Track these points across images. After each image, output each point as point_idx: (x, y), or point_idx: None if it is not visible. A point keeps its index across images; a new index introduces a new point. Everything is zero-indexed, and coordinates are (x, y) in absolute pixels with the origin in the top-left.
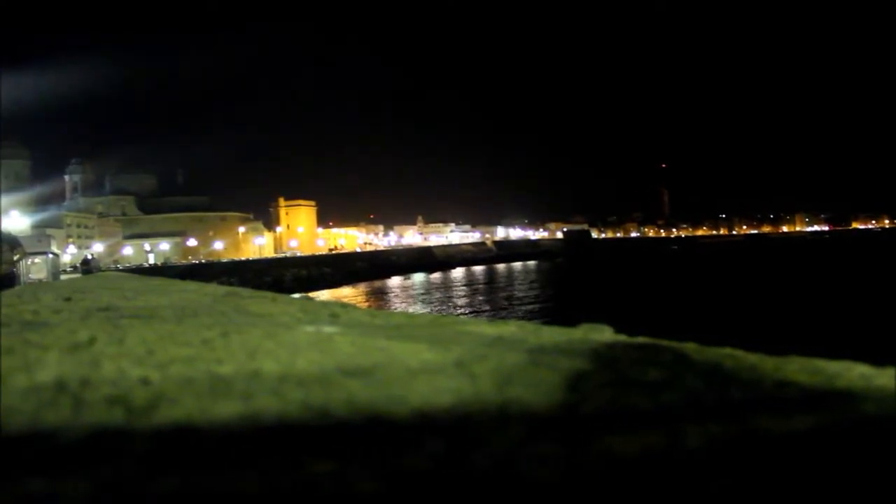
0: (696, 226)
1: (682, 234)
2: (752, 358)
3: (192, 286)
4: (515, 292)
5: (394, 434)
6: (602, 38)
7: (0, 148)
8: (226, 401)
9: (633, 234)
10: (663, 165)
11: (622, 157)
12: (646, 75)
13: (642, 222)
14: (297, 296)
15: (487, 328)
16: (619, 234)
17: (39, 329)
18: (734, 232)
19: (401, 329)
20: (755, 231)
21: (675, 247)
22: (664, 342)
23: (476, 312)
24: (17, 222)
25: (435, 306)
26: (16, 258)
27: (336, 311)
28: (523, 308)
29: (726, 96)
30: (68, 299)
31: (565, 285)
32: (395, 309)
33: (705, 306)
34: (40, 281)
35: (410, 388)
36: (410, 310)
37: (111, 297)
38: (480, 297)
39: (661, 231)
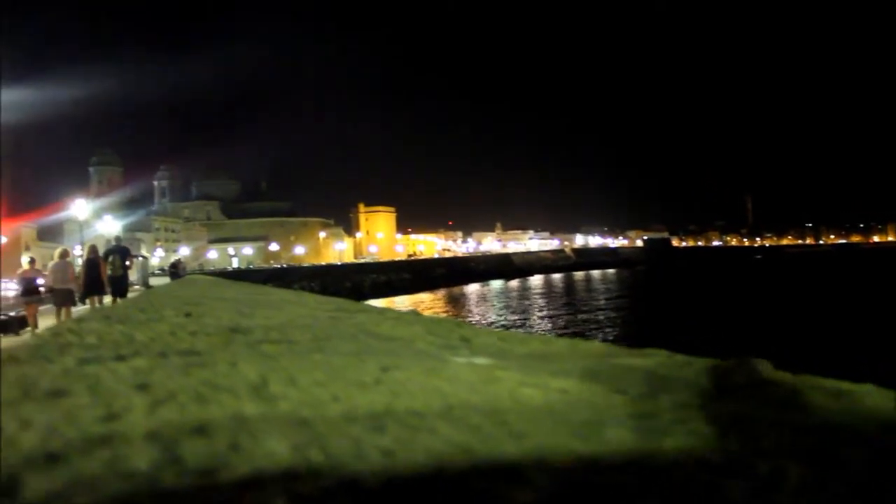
0: (780, 235)
1: (766, 243)
2: None
3: (289, 295)
4: (601, 304)
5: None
6: (687, 45)
7: (94, 155)
8: (432, 439)
9: (715, 243)
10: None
11: (704, 164)
12: (729, 83)
13: (724, 231)
14: (405, 308)
15: (634, 359)
16: (700, 243)
17: (202, 364)
18: (821, 241)
19: (548, 360)
20: (843, 241)
21: (759, 256)
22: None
23: (567, 327)
24: (110, 226)
25: (516, 316)
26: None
27: (465, 334)
28: (618, 324)
29: (814, 102)
30: (188, 315)
31: (652, 298)
32: (472, 315)
33: (804, 322)
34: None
35: (597, 438)
36: (491, 318)
37: (226, 311)
38: (566, 309)
39: (745, 240)
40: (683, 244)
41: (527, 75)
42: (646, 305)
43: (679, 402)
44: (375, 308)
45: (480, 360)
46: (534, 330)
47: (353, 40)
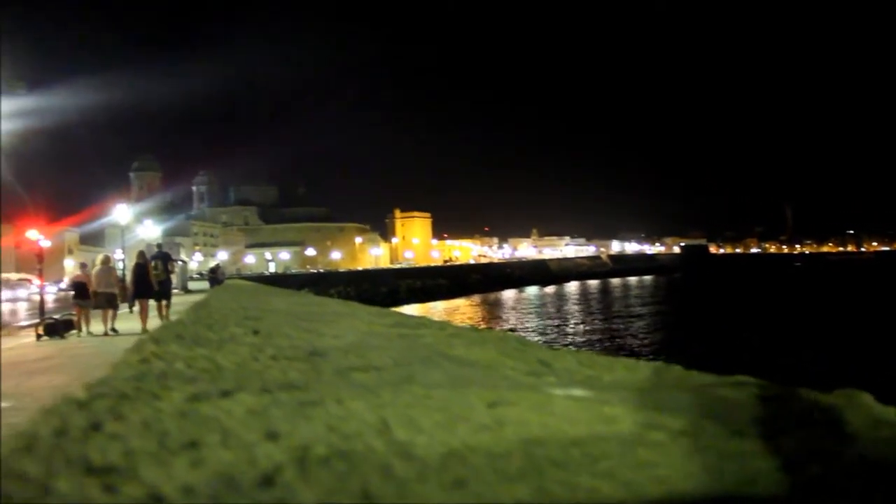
0: (820, 242)
1: (806, 250)
2: None
3: (339, 306)
4: (640, 312)
5: None
6: (722, 49)
7: (134, 161)
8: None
9: (754, 250)
10: None
11: (743, 171)
12: (770, 89)
13: (763, 237)
14: (442, 315)
15: (730, 391)
16: (738, 250)
17: (311, 403)
18: (863, 249)
19: (642, 391)
20: (887, 248)
21: (798, 263)
22: None
23: (610, 336)
24: (150, 231)
25: (554, 323)
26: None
27: (543, 357)
28: (664, 335)
29: (853, 108)
30: (256, 332)
31: (691, 307)
32: (511, 322)
33: (854, 335)
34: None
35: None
36: (528, 325)
37: (290, 327)
38: (606, 317)
39: (784, 247)
40: (721, 251)
41: (567, 84)
42: (687, 315)
43: (803, 444)
44: (434, 322)
45: (578, 392)
46: (572, 336)
47: (384, 45)
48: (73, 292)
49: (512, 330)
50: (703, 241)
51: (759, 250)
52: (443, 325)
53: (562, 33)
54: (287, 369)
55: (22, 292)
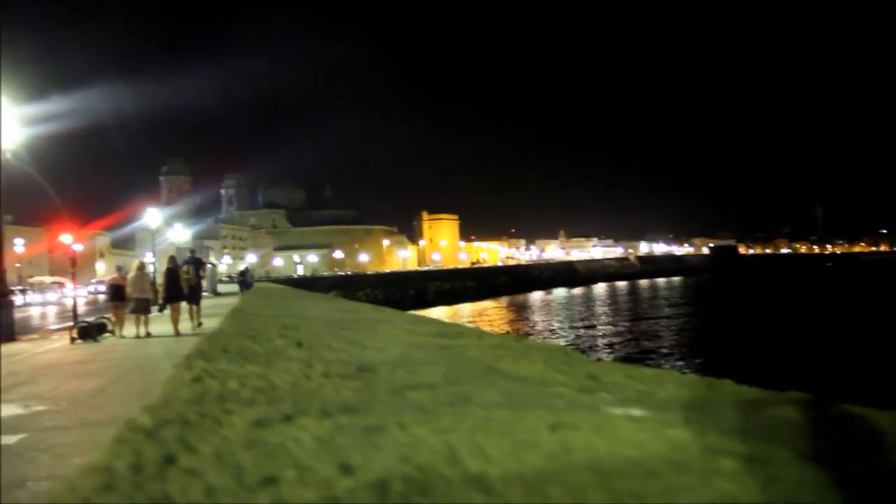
0: (852, 242)
1: (838, 250)
2: None
3: (374, 313)
4: (669, 314)
5: None
6: (747, 46)
7: (165, 164)
8: None
9: (784, 251)
10: None
11: (772, 170)
12: (796, 85)
13: (793, 238)
14: (469, 318)
15: (786, 410)
16: (767, 250)
17: (375, 428)
18: None
19: (698, 408)
20: None
21: (830, 264)
22: None
23: (640, 340)
24: (180, 234)
25: (582, 327)
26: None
27: (591, 371)
28: (693, 337)
29: (885, 103)
30: (300, 345)
31: (721, 309)
32: (539, 324)
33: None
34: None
35: None
36: (555, 326)
37: (331, 337)
38: (633, 320)
39: (814, 247)
40: (751, 251)
41: (596, 85)
42: (717, 318)
43: (877, 472)
44: (472, 330)
45: (637, 412)
46: (602, 338)
47: (406, 47)
48: (109, 294)
49: (533, 333)
50: (732, 242)
51: (790, 251)
52: (481, 334)
53: (583, 31)
54: (340, 388)
55: (51, 295)
